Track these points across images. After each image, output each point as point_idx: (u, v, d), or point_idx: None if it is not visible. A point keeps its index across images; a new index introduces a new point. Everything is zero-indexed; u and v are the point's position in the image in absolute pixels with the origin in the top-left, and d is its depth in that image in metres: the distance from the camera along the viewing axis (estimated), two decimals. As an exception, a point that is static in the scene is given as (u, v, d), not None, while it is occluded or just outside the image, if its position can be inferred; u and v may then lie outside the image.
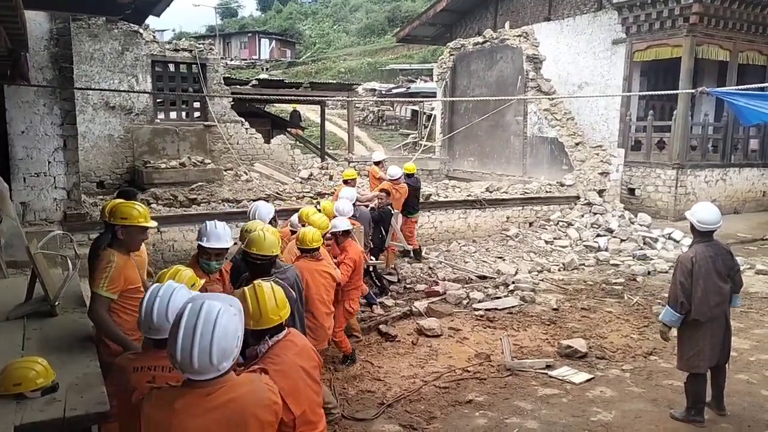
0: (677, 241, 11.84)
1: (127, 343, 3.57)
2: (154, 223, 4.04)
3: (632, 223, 12.53)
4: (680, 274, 4.81)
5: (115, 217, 3.82)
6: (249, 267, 4.05)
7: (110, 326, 3.66)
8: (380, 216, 8.64)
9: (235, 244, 4.92)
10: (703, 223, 4.84)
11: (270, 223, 5.41)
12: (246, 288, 2.79)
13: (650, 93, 15.46)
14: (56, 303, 4.21)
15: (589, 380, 5.86)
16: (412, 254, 10.25)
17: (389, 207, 8.86)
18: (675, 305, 4.84)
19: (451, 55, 18.75)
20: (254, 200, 8.15)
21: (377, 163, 11.20)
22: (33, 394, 2.90)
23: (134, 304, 4.02)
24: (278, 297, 2.77)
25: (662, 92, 14.70)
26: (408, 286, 9.00)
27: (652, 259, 10.77)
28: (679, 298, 4.80)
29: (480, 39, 17.60)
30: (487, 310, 7.96)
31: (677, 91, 13.74)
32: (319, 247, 5.27)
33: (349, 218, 6.86)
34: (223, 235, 4.32)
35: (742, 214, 14.89)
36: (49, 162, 8.29)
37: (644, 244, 11.61)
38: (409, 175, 10.14)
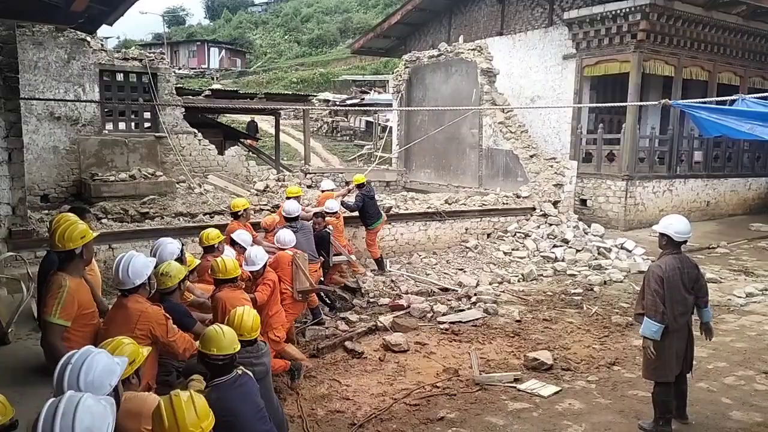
0: (629, 251, 12.16)
1: None
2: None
3: (586, 233, 12.80)
4: (654, 283, 4.86)
5: (74, 242, 3.68)
6: (208, 368, 3.56)
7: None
8: (318, 239, 8.49)
9: (150, 280, 4.19)
10: (680, 233, 4.99)
11: (177, 260, 4.82)
12: (161, 400, 2.57)
13: (608, 105, 15.86)
14: (9, 330, 3.94)
15: (557, 393, 5.90)
16: (375, 266, 10.20)
17: (326, 230, 8.85)
18: (654, 315, 4.80)
19: (407, 67, 18.87)
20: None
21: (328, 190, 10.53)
22: (-11, 435, 2.67)
23: (88, 330, 3.83)
24: (198, 407, 2.54)
25: (620, 104, 15.09)
26: (371, 300, 8.90)
27: (606, 269, 11.00)
28: (659, 308, 4.79)
29: (435, 52, 17.77)
30: (451, 323, 7.95)
31: (636, 103, 14.15)
32: (238, 276, 5.28)
33: (290, 248, 6.79)
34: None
35: (687, 224, 15.40)
36: (-7, 176, 7.85)
37: (599, 254, 11.87)
38: (360, 186, 10.12)
